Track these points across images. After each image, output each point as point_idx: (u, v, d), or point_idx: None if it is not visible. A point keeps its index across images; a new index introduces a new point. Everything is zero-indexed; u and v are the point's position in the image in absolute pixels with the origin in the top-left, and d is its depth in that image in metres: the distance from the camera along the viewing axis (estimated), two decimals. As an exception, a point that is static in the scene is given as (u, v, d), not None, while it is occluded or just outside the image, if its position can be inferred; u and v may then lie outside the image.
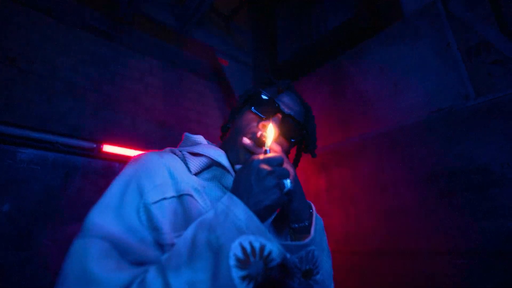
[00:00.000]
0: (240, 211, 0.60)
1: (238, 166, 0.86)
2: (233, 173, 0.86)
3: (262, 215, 0.64)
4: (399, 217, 1.82)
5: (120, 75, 2.74)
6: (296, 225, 0.81)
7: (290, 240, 0.84)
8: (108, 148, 2.30)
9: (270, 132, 0.78)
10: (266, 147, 0.76)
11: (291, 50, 3.05)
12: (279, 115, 0.92)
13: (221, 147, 0.98)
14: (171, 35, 3.14)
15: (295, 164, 1.06)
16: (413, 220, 1.75)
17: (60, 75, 2.37)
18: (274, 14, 3.37)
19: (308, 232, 0.80)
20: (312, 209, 0.86)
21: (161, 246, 0.67)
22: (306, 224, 0.81)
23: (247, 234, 0.58)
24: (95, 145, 2.24)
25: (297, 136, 0.98)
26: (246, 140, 0.86)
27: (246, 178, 0.66)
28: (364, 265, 1.91)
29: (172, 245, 0.66)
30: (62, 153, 2.11)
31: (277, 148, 0.86)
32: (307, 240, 0.75)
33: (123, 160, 2.36)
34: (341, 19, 2.60)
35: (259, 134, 0.85)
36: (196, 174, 0.85)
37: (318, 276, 0.78)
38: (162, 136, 2.93)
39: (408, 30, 2.02)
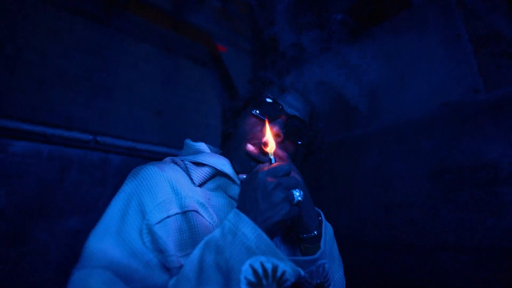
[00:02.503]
0: (248, 230, 0.56)
1: (242, 176, 0.81)
2: (238, 182, 0.81)
3: (272, 231, 0.60)
4: (403, 212, 1.80)
5: (114, 62, 2.63)
6: (305, 235, 0.77)
7: (299, 250, 0.80)
8: (104, 140, 2.24)
9: (271, 139, 0.73)
10: (270, 155, 0.70)
11: (292, 37, 2.95)
12: (284, 117, 0.86)
13: (224, 154, 0.93)
14: (167, 20, 3.00)
15: (301, 167, 1.01)
16: (417, 216, 1.73)
17: (50, 62, 2.26)
18: (274, -2, 3.23)
19: (318, 241, 0.76)
20: (321, 217, 0.82)
21: (167, 269, 0.63)
22: (316, 233, 0.77)
23: (258, 255, 0.54)
24: (91, 137, 2.17)
25: (304, 138, 0.93)
26: (250, 147, 0.81)
27: (252, 193, 0.62)
28: (367, 259, 1.90)
29: (179, 268, 0.62)
30: (57, 145, 2.04)
31: (283, 154, 0.81)
32: (317, 254, 0.71)
33: (120, 152, 2.30)
34: (345, 5, 2.49)
35: (263, 140, 0.79)
36: (200, 185, 0.80)
37: None
38: (160, 126, 2.86)
39: (416, 18, 1.93)
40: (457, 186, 1.59)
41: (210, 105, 3.39)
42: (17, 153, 1.86)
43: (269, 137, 0.73)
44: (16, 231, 1.76)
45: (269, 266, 0.53)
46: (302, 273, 0.57)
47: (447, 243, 1.57)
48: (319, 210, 0.84)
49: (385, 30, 2.15)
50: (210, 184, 0.83)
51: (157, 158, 0.87)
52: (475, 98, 1.62)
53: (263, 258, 0.54)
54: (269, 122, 0.85)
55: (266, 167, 0.66)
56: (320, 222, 0.80)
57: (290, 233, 0.84)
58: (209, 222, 0.73)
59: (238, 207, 0.63)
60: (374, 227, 1.90)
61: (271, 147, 0.71)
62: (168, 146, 2.69)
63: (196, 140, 1.00)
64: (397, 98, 1.99)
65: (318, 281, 0.71)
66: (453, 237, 1.56)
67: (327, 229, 0.80)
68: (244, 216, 0.58)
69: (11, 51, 2.11)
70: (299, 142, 0.91)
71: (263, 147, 0.78)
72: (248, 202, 0.62)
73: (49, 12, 2.34)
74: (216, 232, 0.59)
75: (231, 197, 0.82)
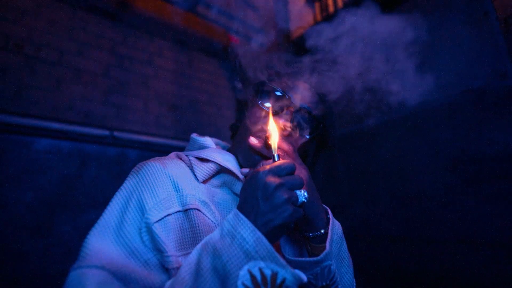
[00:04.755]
0: (247, 233, 0.53)
1: (245, 170, 0.79)
2: (242, 178, 0.79)
3: (274, 235, 0.57)
4: (420, 204, 1.73)
5: (128, 59, 2.66)
6: (311, 234, 0.75)
7: (306, 249, 0.78)
8: (120, 135, 2.29)
9: (275, 133, 0.69)
10: (274, 152, 0.66)
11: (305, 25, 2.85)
12: (291, 109, 0.83)
13: (231, 149, 0.91)
14: (179, 14, 2.98)
15: (313, 162, 0.97)
16: (436, 208, 1.66)
17: (68, 60, 2.32)
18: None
19: (325, 240, 0.73)
20: (328, 215, 0.79)
21: (166, 269, 0.62)
22: (322, 232, 0.74)
23: (256, 260, 0.51)
24: (108, 133, 2.23)
25: (313, 131, 0.89)
26: (253, 141, 0.78)
27: (252, 193, 0.58)
28: (382, 251, 1.86)
29: (178, 268, 0.61)
30: (76, 142, 2.12)
31: (288, 147, 0.76)
32: (321, 255, 0.68)
33: (136, 147, 2.36)
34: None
35: (267, 134, 0.76)
36: (204, 182, 0.79)
37: None
38: (174, 120, 2.89)
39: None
40: (479, 178, 1.50)
41: (224, 97, 3.38)
42: (40, 150, 1.95)
43: (273, 130, 0.69)
44: (42, 224, 1.86)
45: (268, 273, 0.51)
46: (305, 279, 0.54)
47: (467, 237, 1.50)
48: (327, 208, 0.81)
49: (404, 11, 2.03)
50: (215, 181, 0.81)
51: (173, 151, 0.87)
52: (502, 83, 1.50)
53: (262, 264, 0.51)
54: (276, 115, 0.81)
55: (268, 165, 0.62)
56: (328, 220, 0.77)
57: (296, 231, 0.82)
58: (211, 221, 0.71)
59: (239, 208, 0.60)
60: (391, 220, 1.84)
61: (274, 140, 0.67)
62: (183, 139, 2.72)
63: (208, 133, 0.99)
64: (415, 84, 1.88)
65: (324, 283, 0.68)
66: (474, 231, 1.48)
67: (335, 228, 0.76)
68: (243, 218, 0.55)
69: (30, 51, 2.18)
70: (307, 136, 0.87)
71: (267, 140, 0.75)
72: (248, 203, 0.58)
73: (65, 11, 2.38)
74: (215, 234, 0.57)
75: (236, 194, 0.80)
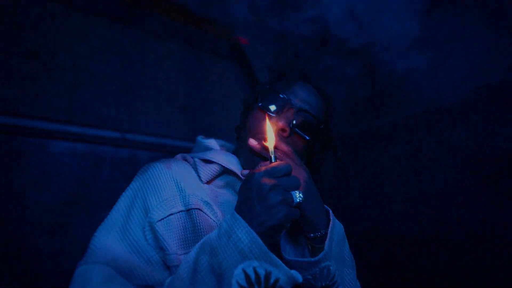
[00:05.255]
0: (242, 233, 0.54)
1: (245, 172, 0.80)
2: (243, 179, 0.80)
3: (269, 235, 0.57)
4: (435, 205, 1.68)
5: (139, 62, 2.73)
6: (312, 235, 0.75)
7: (307, 250, 0.78)
8: (132, 137, 2.35)
9: (271, 135, 0.70)
10: (271, 153, 0.67)
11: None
12: (291, 110, 0.83)
13: (235, 150, 0.94)
14: (187, 16, 3.02)
15: (318, 163, 0.97)
16: (451, 209, 1.61)
17: (81, 65, 2.40)
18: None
19: (325, 241, 0.73)
20: (329, 215, 0.78)
21: (168, 267, 0.65)
22: (323, 233, 0.74)
23: (251, 259, 0.52)
24: (120, 135, 2.29)
25: (314, 133, 0.89)
26: (253, 142, 0.80)
27: (248, 195, 0.59)
28: (396, 254, 1.82)
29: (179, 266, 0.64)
30: (90, 144, 2.19)
31: (287, 148, 0.78)
32: (319, 256, 0.68)
33: (148, 148, 2.41)
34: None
35: (265, 136, 0.77)
36: (208, 182, 0.81)
37: None
38: (186, 121, 2.93)
39: (451, -9, 1.74)
40: (497, 177, 1.44)
41: (234, 98, 3.39)
42: (55, 153, 2.03)
43: (269, 132, 0.70)
44: (58, 224, 1.93)
45: (261, 272, 0.52)
46: (300, 280, 0.55)
47: (485, 238, 1.44)
48: (328, 208, 0.80)
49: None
50: (218, 182, 0.84)
51: (183, 152, 0.91)
52: (520, 77, 1.43)
53: (256, 263, 0.52)
54: (276, 116, 0.83)
55: (264, 166, 0.63)
56: (329, 221, 0.77)
57: (299, 231, 0.82)
58: (213, 220, 0.73)
59: (236, 209, 0.61)
60: (404, 221, 1.80)
61: (271, 142, 0.68)
62: (193, 141, 2.75)
63: (219, 135, 1.02)
64: (429, 81, 1.83)
65: (323, 283, 0.68)
66: (492, 232, 1.42)
67: (335, 229, 0.75)
68: (239, 218, 0.56)
69: (47, 57, 2.26)
70: (307, 137, 0.87)
71: (263, 142, 0.76)
72: (244, 204, 0.60)
73: (78, 17, 2.47)
74: (213, 234, 0.59)
75: None
